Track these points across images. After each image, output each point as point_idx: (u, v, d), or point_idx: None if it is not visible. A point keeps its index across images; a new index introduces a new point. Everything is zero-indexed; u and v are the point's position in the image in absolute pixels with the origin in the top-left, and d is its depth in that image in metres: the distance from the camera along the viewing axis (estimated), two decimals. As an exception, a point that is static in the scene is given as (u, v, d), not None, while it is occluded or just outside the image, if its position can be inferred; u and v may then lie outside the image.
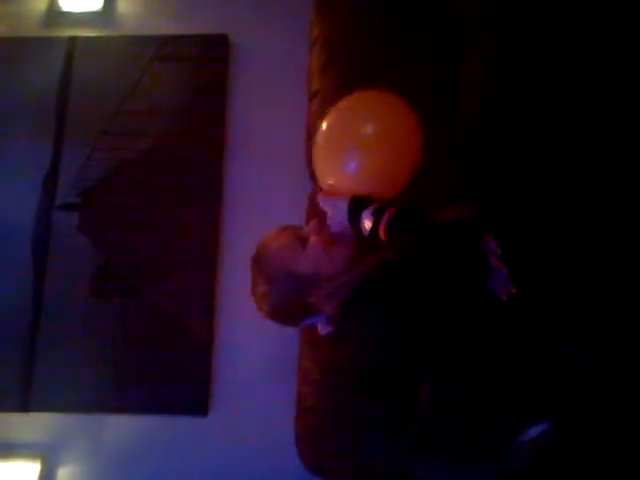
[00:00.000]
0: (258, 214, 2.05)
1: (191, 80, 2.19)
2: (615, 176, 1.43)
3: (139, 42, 2.23)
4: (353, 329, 1.32)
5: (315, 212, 1.84)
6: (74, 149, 2.14)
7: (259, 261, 1.39)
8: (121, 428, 1.95)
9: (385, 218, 1.22)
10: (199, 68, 2.20)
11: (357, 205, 1.28)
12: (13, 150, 2.16)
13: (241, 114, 2.18)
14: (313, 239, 1.34)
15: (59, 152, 2.14)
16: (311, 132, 1.92)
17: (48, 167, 2.13)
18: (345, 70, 1.88)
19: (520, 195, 1.46)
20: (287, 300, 1.35)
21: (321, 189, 1.40)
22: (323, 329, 1.37)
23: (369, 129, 1.29)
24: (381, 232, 1.23)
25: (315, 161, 1.37)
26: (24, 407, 1.94)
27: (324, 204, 1.36)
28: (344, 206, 1.30)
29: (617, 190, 1.42)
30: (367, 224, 1.26)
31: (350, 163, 1.27)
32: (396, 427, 1.44)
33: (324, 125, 1.33)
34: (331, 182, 1.32)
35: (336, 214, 1.33)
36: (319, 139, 1.35)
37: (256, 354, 1.96)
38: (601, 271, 1.28)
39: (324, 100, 1.89)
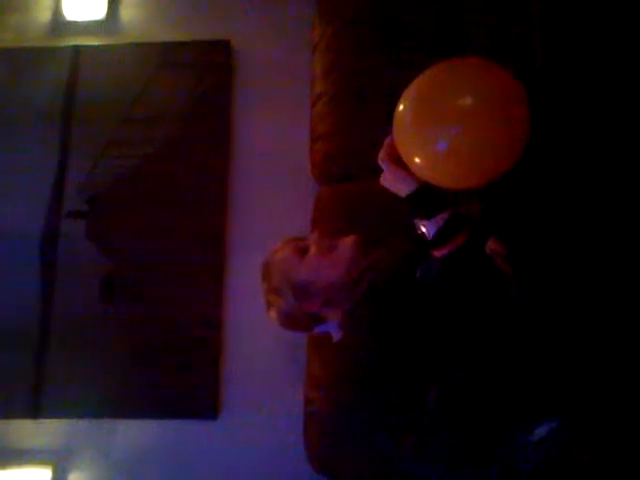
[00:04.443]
0: (263, 218, 2.07)
1: (195, 86, 2.19)
2: (617, 173, 1.41)
3: (143, 50, 2.24)
4: (360, 335, 1.33)
5: (319, 217, 1.85)
6: (81, 157, 2.15)
7: (265, 273, 1.43)
8: (131, 433, 1.95)
9: (450, 247, 1.09)
10: (203, 74, 2.20)
11: (425, 203, 1.11)
12: (20, 159, 2.17)
13: (245, 119, 2.18)
14: (312, 249, 1.36)
15: (66, 160, 2.15)
16: (315, 135, 1.93)
17: (55, 175, 2.14)
18: (348, 73, 1.89)
19: (522, 193, 1.44)
20: (292, 309, 1.38)
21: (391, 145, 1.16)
22: (335, 336, 1.39)
23: (469, 100, 1.06)
24: (436, 253, 1.12)
25: (397, 131, 1.14)
26: (34, 414, 1.95)
27: (385, 166, 1.19)
28: (405, 189, 1.14)
29: (618, 187, 1.40)
30: (423, 228, 1.14)
31: (443, 141, 1.05)
32: (402, 431, 1.44)
33: (412, 92, 1.12)
34: (417, 160, 1.09)
35: (393, 186, 1.18)
36: (406, 107, 1.12)
37: (265, 358, 1.96)
38: (609, 268, 1.27)
39: (328, 103, 1.90)
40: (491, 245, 1.19)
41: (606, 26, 1.53)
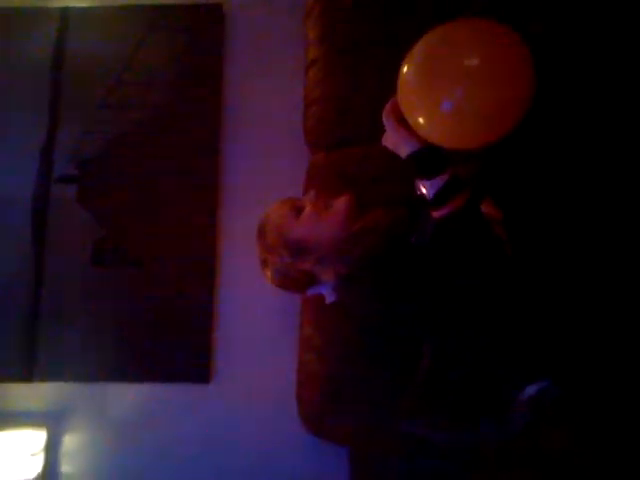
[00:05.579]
0: (256, 182, 2.07)
1: (186, 50, 2.18)
2: (616, 143, 1.42)
3: (134, 12, 2.21)
4: (356, 299, 1.35)
5: (312, 181, 1.86)
6: (70, 122, 2.13)
7: (261, 231, 1.44)
8: (125, 396, 1.98)
9: (450, 207, 1.10)
10: (194, 38, 2.18)
11: (426, 163, 1.12)
12: (9, 122, 2.15)
13: (237, 83, 2.17)
14: (308, 208, 1.37)
15: (55, 124, 2.14)
16: (308, 100, 1.92)
17: (45, 139, 2.12)
18: (342, 39, 1.88)
19: (523, 156, 1.42)
20: (287, 268, 1.39)
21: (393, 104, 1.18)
22: (328, 297, 1.41)
23: (475, 61, 1.05)
24: (435, 214, 1.13)
25: (402, 91, 1.13)
26: (28, 377, 1.96)
27: (388, 126, 1.20)
28: (408, 149, 1.15)
29: (617, 156, 1.41)
30: (423, 189, 1.15)
31: (447, 100, 1.05)
32: (398, 387, 1.46)
33: (417, 51, 1.11)
34: (421, 120, 1.10)
35: (395, 146, 1.20)
36: (412, 64, 1.11)
37: (258, 321, 1.98)
38: (603, 234, 1.29)
39: (322, 69, 1.89)
40: (486, 210, 1.20)
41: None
